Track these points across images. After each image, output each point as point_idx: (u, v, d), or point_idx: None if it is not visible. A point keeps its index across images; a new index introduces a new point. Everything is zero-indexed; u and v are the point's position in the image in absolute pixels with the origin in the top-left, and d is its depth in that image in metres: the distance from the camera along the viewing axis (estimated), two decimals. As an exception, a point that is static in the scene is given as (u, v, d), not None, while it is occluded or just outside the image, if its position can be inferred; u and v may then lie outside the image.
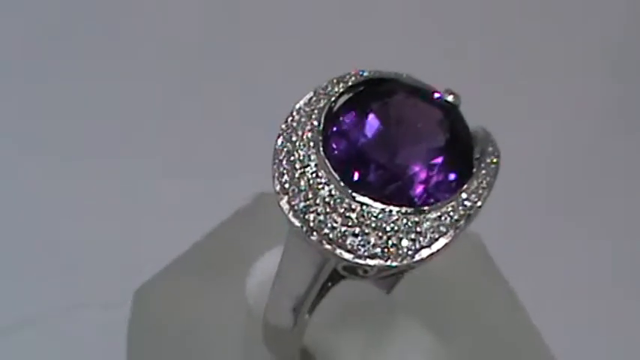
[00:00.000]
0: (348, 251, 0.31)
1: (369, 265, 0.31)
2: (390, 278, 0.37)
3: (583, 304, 0.61)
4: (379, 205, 0.31)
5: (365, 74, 0.33)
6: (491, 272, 0.44)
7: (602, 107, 0.68)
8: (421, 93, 0.33)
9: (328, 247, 0.31)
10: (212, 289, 0.41)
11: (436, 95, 0.33)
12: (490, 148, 0.33)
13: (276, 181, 0.32)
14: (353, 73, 0.34)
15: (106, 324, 0.56)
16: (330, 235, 0.31)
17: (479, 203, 0.32)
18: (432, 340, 0.36)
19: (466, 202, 0.32)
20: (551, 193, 0.65)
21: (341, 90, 0.33)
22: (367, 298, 0.37)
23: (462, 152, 0.33)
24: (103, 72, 0.66)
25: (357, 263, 0.31)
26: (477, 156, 0.33)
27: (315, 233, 0.31)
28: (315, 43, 0.67)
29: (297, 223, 0.31)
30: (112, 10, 0.68)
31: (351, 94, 0.33)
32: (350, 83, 0.33)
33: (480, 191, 0.32)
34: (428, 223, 0.31)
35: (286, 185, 0.32)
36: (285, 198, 0.31)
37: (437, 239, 0.31)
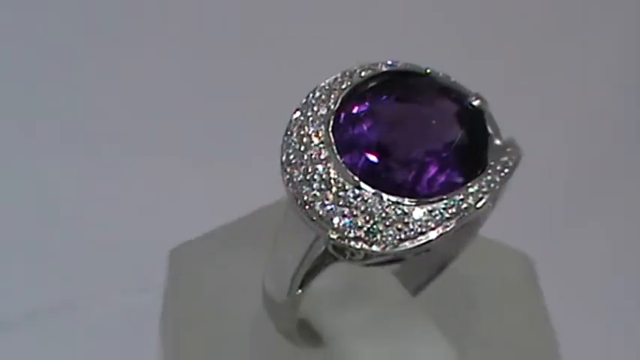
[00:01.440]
0: (334, 230, 0.31)
1: (353, 247, 0.31)
2: (416, 279, 0.38)
3: (605, 305, 0.61)
4: (371, 190, 0.31)
5: (396, 65, 0.34)
6: (529, 293, 0.42)
7: (618, 109, 0.68)
8: (448, 92, 0.33)
9: (316, 222, 0.31)
10: (246, 258, 0.41)
11: (466, 98, 0.33)
12: (504, 158, 0.32)
13: (283, 152, 0.32)
14: (384, 61, 0.34)
15: (133, 310, 0.57)
16: (320, 212, 0.31)
17: (477, 205, 0.31)
18: (440, 337, 0.36)
19: (461, 203, 0.32)
20: (570, 194, 0.66)
21: (368, 76, 0.33)
22: (382, 286, 0.37)
23: (472, 155, 0.33)
24: (123, 69, 0.67)
25: (341, 243, 0.31)
26: (492, 162, 0.32)
27: (306, 207, 0.31)
28: (337, 41, 0.67)
29: (292, 195, 0.31)
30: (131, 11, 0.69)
31: (376, 82, 0.33)
32: (378, 71, 0.34)
33: (481, 195, 0.32)
34: (417, 215, 0.31)
35: (290, 157, 0.32)
36: (288, 169, 0.32)
37: (423, 233, 0.31)
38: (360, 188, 0.31)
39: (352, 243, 0.31)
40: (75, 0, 0.68)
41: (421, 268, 0.39)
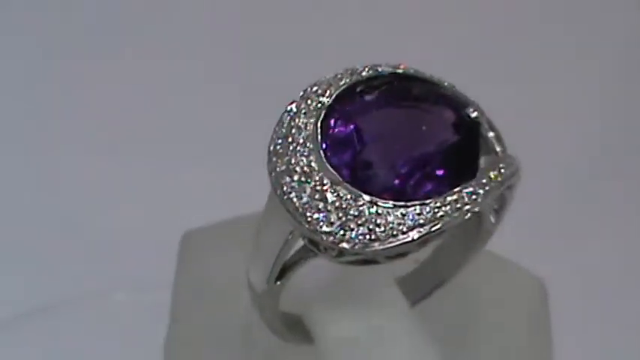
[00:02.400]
0: (308, 223, 0.31)
1: (325, 242, 0.31)
2: (417, 290, 0.38)
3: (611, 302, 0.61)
4: (349, 187, 0.31)
5: (399, 68, 0.34)
6: (536, 320, 0.42)
7: (623, 107, 0.68)
8: (447, 100, 0.33)
9: (291, 214, 0.31)
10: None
11: (465, 108, 0.33)
12: (494, 172, 0.32)
13: (272, 141, 0.33)
14: (387, 64, 0.34)
15: (133, 309, 0.56)
16: (297, 204, 0.31)
17: (455, 214, 0.31)
18: (425, 342, 0.36)
19: (437, 210, 0.31)
20: (573, 194, 0.65)
21: (368, 76, 0.33)
22: (380, 293, 0.37)
23: (463, 165, 0.33)
24: (121, 67, 0.68)
25: (312, 237, 0.31)
26: (480, 174, 0.32)
27: (284, 198, 0.31)
28: (343, 43, 0.67)
29: (273, 185, 0.32)
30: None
31: (376, 83, 0.33)
32: (380, 72, 0.34)
33: (460, 205, 0.32)
34: (391, 217, 0.31)
35: (277, 147, 0.32)
36: (273, 159, 0.32)
37: (394, 235, 0.31)
38: (337, 184, 0.31)
39: (323, 238, 0.31)
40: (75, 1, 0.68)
41: (422, 279, 0.38)
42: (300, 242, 0.33)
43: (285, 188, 0.32)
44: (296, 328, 0.37)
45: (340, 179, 0.31)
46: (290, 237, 0.32)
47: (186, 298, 0.41)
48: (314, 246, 0.32)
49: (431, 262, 0.38)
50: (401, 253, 0.32)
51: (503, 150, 0.33)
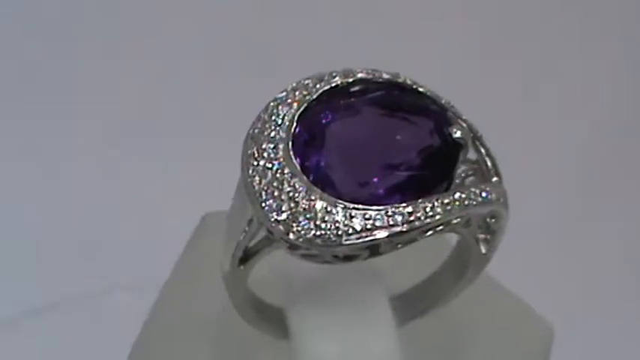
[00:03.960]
0: (261, 207, 0.31)
1: (273, 229, 0.31)
2: (405, 311, 0.37)
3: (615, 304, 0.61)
4: (305, 180, 0.32)
5: (397, 79, 0.34)
6: None
7: (626, 109, 0.68)
8: (430, 112, 0.33)
9: (249, 197, 0.32)
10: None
11: (448, 123, 0.33)
12: (462, 195, 0.32)
13: (253, 125, 0.33)
14: (387, 71, 0.34)
15: (133, 308, 0.56)
16: (256, 188, 0.32)
17: (404, 227, 0.31)
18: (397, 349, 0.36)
19: (388, 219, 0.31)
20: (576, 195, 0.66)
21: (364, 79, 0.34)
22: (365, 297, 0.37)
23: (425, 180, 0.33)
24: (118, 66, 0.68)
25: (264, 223, 0.32)
26: (454, 191, 0.32)
27: (247, 180, 0.32)
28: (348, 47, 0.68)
29: (241, 166, 0.32)
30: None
31: (363, 87, 0.34)
32: (377, 77, 0.34)
33: (412, 218, 0.31)
34: (339, 217, 0.31)
35: (255, 131, 0.33)
36: (248, 142, 0.33)
37: (338, 235, 0.31)
38: (296, 176, 0.32)
39: (273, 225, 0.31)
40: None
41: (415, 300, 0.38)
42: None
43: (250, 171, 0.32)
44: (274, 320, 0.37)
45: (300, 172, 0.32)
46: (251, 222, 0.33)
47: (184, 280, 0.41)
48: (270, 234, 0.32)
49: (426, 285, 0.38)
50: (348, 255, 0.32)
51: (497, 178, 0.33)
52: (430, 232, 0.32)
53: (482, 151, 0.34)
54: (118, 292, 0.58)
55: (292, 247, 0.32)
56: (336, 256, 0.32)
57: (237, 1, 0.70)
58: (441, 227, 0.33)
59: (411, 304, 0.38)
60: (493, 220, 0.34)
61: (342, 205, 0.31)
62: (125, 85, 0.68)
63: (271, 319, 0.37)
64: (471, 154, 0.34)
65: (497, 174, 0.34)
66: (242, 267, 0.33)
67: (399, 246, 0.32)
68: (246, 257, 0.33)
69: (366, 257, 0.32)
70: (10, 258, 0.62)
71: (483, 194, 0.33)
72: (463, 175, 0.33)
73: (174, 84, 0.68)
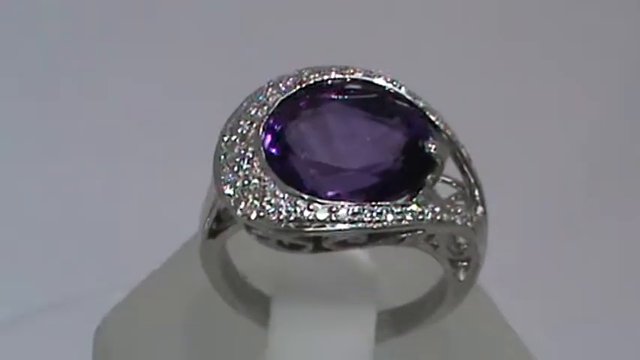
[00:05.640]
0: (220, 181, 0.32)
1: (226, 204, 0.32)
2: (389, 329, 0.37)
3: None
4: (264, 162, 0.32)
5: (390, 85, 0.34)
6: None
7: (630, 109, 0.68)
8: (412, 126, 0.33)
9: (214, 170, 0.33)
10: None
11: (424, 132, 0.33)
12: (433, 209, 0.32)
13: (234, 112, 0.33)
14: (385, 77, 0.34)
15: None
16: (221, 161, 0.33)
17: (344, 226, 0.31)
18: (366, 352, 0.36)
19: (333, 213, 0.31)
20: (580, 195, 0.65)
21: (359, 79, 0.34)
22: (354, 305, 0.37)
23: (383, 187, 0.33)
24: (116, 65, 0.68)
25: (219, 196, 0.32)
26: (410, 204, 0.32)
27: (216, 153, 0.33)
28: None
29: (214, 150, 0.33)
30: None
31: (363, 88, 0.34)
32: (371, 79, 0.34)
33: (356, 219, 0.32)
34: (284, 203, 0.32)
35: (237, 110, 0.33)
36: (227, 124, 0.33)
37: (279, 220, 0.31)
38: (257, 156, 0.32)
39: (225, 199, 0.32)
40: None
41: (401, 319, 0.38)
42: None
43: (221, 145, 0.33)
44: (258, 304, 0.37)
45: (262, 152, 0.32)
46: (217, 202, 0.33)
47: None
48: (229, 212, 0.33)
49: (412, 306, 0.38)
50: (293, 244, 0.32)
51: (482, 208, 0.33)
52: (381, 240, 0.32)
53: (471, 178, 0.33)
54: (117, 292, 0.58)
55: (246, 227, 0.32)
56: (280, 243, 0.32)
57: (237, 6, 0.70)
58: (394, 237, 0.33)
59: (395, 322, 0.38)
60: (465, 247, 0.34)
61: (290, 191, 0.32)
62: (125, 85, 0.68)
63: (255, 303, 0.37)
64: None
65: (482, 203, 0.33)
66: (211, 240, 0.34)
67: (347, 246, 0.32)
68: (215, 231, 0.33)
69: (311, 250, 0.32)
70: (10, 258, 0.62)
71: (444, 215, 0.32)
72: (453, 198, 0.33)
73: (174, 84, 0.68)
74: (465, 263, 0.34)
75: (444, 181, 0.34)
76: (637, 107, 0.68)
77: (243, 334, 0.38)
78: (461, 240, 0.34)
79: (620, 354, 0.60)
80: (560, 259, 0.62)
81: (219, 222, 0.33)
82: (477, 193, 0.33)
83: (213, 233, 0.33)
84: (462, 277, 0.34)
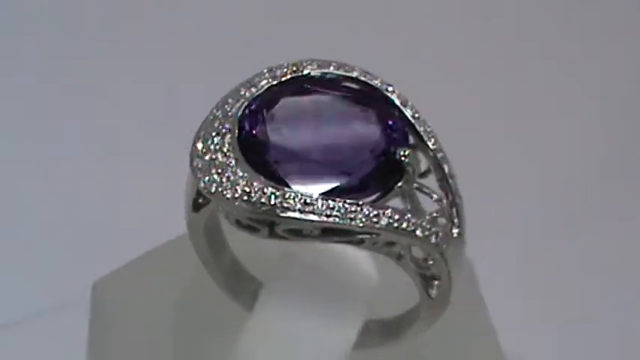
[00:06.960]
0: (192, 151, 0.33)
1: (193, 174, 0.33)
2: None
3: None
4: (234, 142, 0.33)
5: (386, 90, 0.34)
6: None
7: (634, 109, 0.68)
8: (391, 133, 0.34)
9: (192, 143, 0.33)
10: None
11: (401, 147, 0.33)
12: (399, 215, 0.32)
13: (218, 102, 0.34)
14: (383, 81, 0.34)
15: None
16: (199, 134, 0.33)
17: (295, 214, 0.32)
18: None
19: (285, 200, 0.32)
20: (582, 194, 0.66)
21: (357, 77, 0.34)
22: (344, 310, 0.37)
23: (357, 186, 0.33)
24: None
25: (190, 167, 0.33)
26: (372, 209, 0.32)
27: (198, 128, 0.34)
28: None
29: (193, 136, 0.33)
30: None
31: (357, 87, 0.34)
32: (369, 80, 0.34)
33: (309, 209, 0.32)
34: (242, 182, 0.32)
35: (210, 114, 0.34)
36: (213, 109, 0.34)
37: (234, 197, 0.32)
38: (229, 136, 0.33)
39: (193, 170, 0.33)
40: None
41: (377, 330, 0.38)
42: None
43: (205, 121, 0.34)
44: (249, 290, 0.38)
45: (236, 130, 0.33)
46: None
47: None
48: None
49: (395, 320, 0.38)
50: (250, 225, 0.32)
51: (457, 230, 0.33)
52: (336, 237, 0.33)
53: (450, 195, 0.34)
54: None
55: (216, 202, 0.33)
56: (238, 222, 0.33)
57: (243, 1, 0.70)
58: (350, 236, 0.33)
59: (380, 332, 0.38)
60: (431, 262, 0.34)
61: (249, 171, 0.32)
62: (125, 85, 0.68)
63: (246, 287, 0.38)
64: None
65: (459, 225, 0.33)
66: (195, 213, 0.34)
67: (302, 237, 0.33)
68: (198, 205, 0.34)
69: (267, 235, 0.33)
70: (10, 258, 0.62)
71: (403, 223, 0.32)
72: (435, 214, 0.33)
73: (174, 84, 0.68)
74: (436, 282, 0.34)
75: (424, 192, 0.34)
76: (637, 107, 0.68)
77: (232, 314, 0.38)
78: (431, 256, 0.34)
79: (621, 354, 0.60)
80: (560, 259, 0.62)
81: (203, 197, 0.34)
82: (454, 212, 0.33)
83: (197, 207, 0.34)
84: (433, 294, 0.34)
